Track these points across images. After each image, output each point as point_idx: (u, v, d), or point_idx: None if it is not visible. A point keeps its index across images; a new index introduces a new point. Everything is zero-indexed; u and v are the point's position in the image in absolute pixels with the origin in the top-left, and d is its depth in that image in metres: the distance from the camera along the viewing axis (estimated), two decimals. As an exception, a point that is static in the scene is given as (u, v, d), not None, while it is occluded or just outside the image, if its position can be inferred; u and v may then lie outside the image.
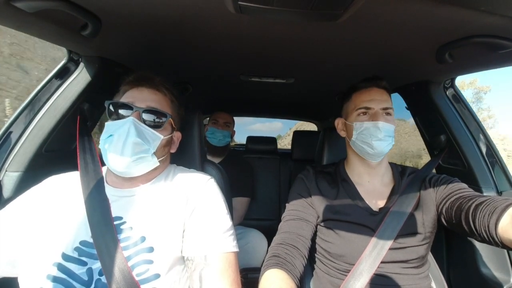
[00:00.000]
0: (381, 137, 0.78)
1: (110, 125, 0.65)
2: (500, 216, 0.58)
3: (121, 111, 0.67)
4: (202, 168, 0.91)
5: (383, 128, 0.79)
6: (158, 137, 0.68)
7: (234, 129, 1.80)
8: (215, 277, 0.59)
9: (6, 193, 0.80)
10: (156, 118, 0.68)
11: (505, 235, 0.57)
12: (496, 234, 0.59)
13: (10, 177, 0.81)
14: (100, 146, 0.65)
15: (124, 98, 0.69)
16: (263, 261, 0.73)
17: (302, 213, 0.82)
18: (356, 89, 0.86)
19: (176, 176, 0.72)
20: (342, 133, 0.92)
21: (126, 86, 0.72)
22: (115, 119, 0.66)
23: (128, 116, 0.65)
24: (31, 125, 0.86)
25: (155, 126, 0.68)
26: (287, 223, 0.81)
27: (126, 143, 0.62)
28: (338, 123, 0.93)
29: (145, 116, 0.67)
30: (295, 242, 0.75)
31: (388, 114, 0.82)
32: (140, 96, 0.69)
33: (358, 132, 0.82)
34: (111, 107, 0.68)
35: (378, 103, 0.81)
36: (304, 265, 0.73)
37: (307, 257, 0.75)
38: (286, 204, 0.87)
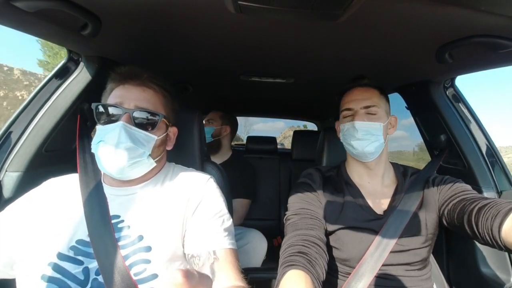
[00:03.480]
0: (359, 137, 0.79)
1: (100, 130, 0.63)
2: (504, 220, 0.58)
3: (110, 112, 0.64)
4: (202, 168, 0.91)
5: (360, 128, 0.79)
6: (152, 138, 0.65)
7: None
8: (228, 269, 0.59)
9: (6, 193, 0.80)
10: (148, 117, 0.65)
11: (508, 238, 0.56)
12: (499, 238, 0.58)
13: (10, 177, 0.81)
14: (93, 151, 0.64)
15: (112, 98, 0.66)
16: (282, 252, 0.67)
17: (315, 212, 0.78)
18: (344, 91, 0.88)
19: (176, 175, 0.72)
20: (340, 135, 0.92)
21: (112, 83, 0.68)
22: (105, 123, 0.63)
23: (118, 118, 0.62)
24: (31, 125, 0.86)
25: (147, 126, 0.65)
26: (304, 220, 0.74)
27: (118, 149, 0.60)
28: (336, 125, 0.93)
29: (136, 117, 0.64)
30: (320, 242, 0.69)
31: (370, 113, 0.80)
32: (128, 95, 0.65)
33: (342, 134, 0.85)
34: (99, 109, 0.65)
35: (358, 102, 0.81)
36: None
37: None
38: (293, 203, 0.81)
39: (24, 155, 0.84)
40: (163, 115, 0.68)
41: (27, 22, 0.63)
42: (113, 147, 0.60)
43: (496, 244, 0.60)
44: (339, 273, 0.78)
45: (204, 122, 1.69)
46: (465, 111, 1.07)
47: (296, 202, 0.81)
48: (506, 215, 0.58)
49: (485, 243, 0.63)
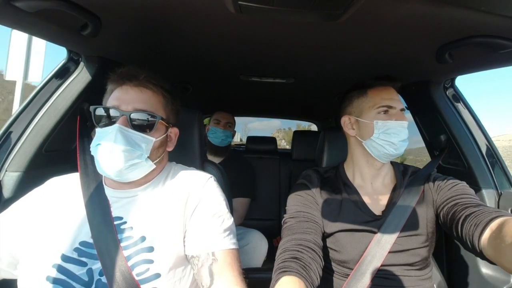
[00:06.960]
0: (405, 138, 0.78)
1: (99, 132, 0.63)
2: (484, 230, 0.59)
3: (110, 114, 0.64)
4: (202, 168, 0.91)
5: (408, 129, 0.79)
6: (150, 140, 0.65)
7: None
8: (226, 271, 0.59)
9: (6, 193, 0.80)
10: (146, 119, 0.65)
11: (486, 250, 0.58)
12: (479, 247, 0.60)
13: (10, 177, 0.81)
14: (92, 154, 0.64)
15: (111, 100, 0.66)
16: (276, 257, 0.67)
17: (312, 215, 0.77)
18: (372, 86, 0.83)
19: (176, 175, 0.72)
20: (351, 132, 0.85)
21: (112, 84, 0.68)
22: (103, 125, 0.63)
23: (115, 121, 0.62)
24: (31, 125, 0.86)
25: (145, 128, 0.64)
26: (300, 224, 0.74)
27: (115, 152, 0.59)
28: (345, 120, 0.86)
29: (133, 119, 0.63)
30: (315, 246, 0.69)
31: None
32: (126, 97, 0.64)
33: (381, 131, 0.78)
34: (97, 112, 0.64)
35: (398, 103, 0.80)
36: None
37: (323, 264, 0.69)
38: (290, 206, 0.81)
39: (24, 155, 0.84)
40: (160, 116, 0.67)
41: (27, 22, 0.63)
42: (110, 150, 0.60)
43: (478, 253, 0.61)
44: (339, 274, 0.78)
45: (218, 123, 1.67)
46: (465, 111, 1.07)
47: (294, 205, 0.80)
48: (486, 226, 0.59)
49: (470, 250, 0.64)
